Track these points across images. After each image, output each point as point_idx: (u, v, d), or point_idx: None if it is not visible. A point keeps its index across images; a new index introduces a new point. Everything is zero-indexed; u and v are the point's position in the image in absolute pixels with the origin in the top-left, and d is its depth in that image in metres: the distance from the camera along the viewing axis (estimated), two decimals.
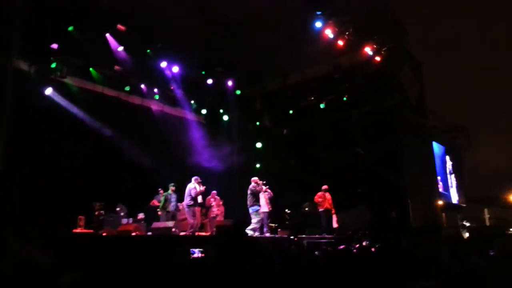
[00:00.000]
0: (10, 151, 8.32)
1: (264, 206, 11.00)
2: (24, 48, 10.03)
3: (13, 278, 3.33)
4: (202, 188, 10.33)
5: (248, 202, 10.88)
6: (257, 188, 10.91)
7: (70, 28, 10.61)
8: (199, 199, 10.39)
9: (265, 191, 11.25)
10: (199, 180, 10.40)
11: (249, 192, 10.95)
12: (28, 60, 10.63)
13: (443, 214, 17.11)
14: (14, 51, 9.13)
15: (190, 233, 9.72)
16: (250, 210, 10.84)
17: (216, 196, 12.23)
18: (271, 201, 11.28)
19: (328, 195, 11.94)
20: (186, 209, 10.18)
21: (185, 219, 10.49)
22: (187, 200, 10.16)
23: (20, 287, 3.99)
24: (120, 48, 11.69)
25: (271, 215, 11.40)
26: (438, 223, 14.22)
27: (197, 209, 10.59)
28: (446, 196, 18.08)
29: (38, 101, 10.46)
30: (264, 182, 11.20)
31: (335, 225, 11.92)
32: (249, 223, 10.66)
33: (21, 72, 10.39)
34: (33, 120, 9.93)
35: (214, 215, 11.82)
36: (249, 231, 10.35)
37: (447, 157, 19.45)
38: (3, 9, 8.27)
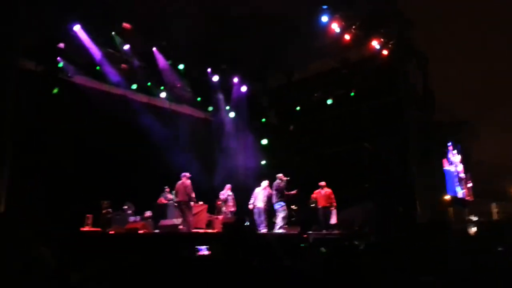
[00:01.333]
0: (16, 150, 8.38)
1: (260, 201, 11.11)
2: (31, 47, 10.09)
3: (22, 278, 3.37)
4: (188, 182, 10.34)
5: (273, 199, 10.91)
6: (281, 185, 10.93)
7: (77, 28, 10.68)
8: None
9: (264, 189, 11.32)
10: (188, 175, 10.44)
11: (274, 188, 10.98)
12: (35, 60, 10.69)
13: (451, 209, 17.03)
14: (21, 51, 9.17)
15: (187, 230, 9.73)
16: (276, 206, 10.87)
17: (230, 191, 12.09)
18: (268, 198, 11.32)
19: (325, 191, 11.74)
20: (183, 206, 10.19)
21: (197, 213, 10.62)
22: (182, 197, 10.17)
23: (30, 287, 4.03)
24: (126, 46, 11.74)
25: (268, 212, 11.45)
26: (445, 218, 14.15)
27: (194, 205, 10.64)
28: (453, 191, 17.97)
29: (45, 101, 10.53)
30: (288, 178, 11.16)
31: (333, 221, 11.71)
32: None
33: (28, 72, 10.46)
34: (40, 119, 10.00)
35: (232, 210, 11.70)
36: (277, 230, 10.53)
37: (454, 152, 19.32)
38: (9, 9, 8.32)
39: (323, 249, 7.51)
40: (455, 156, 19.24)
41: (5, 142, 7.61)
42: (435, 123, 16.26)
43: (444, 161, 17.72)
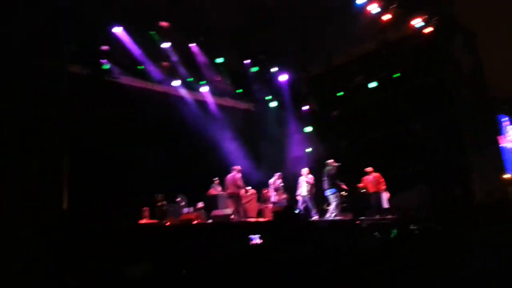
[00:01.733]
0: (75, 153, 8.77)
1: (305, 190, 11.10)
2: (77, 52, 10.50)
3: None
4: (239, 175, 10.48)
5: (325, 185, 10.84)
6: (332, 171, 10.82)
7: (118, 29, 11.00)
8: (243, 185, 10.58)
9: (305, 176, 11.37)
10: (239, 168, 10.60)
11: (325, 175, 10.90)
12: (81, 63, 11.12)
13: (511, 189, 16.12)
14: (68, 56, 9.54)
15: (238, 220, 9.90)
16: (328, 192, 10.80)
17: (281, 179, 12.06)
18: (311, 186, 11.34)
19: (373, 176, 11.57)
20: (230, 198, 10.39)
21: (247, 202, 10.74)
22: (233, 189, 10.37)
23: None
24: (166, 44, 11.97)
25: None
26: (506, 198, 13.42)
27: (244, 194, 10.81)
28: None
29: (95, 102, 10.96)
30: (340, 164, 11.04)
31: (386, 205, 11.55)
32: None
33: (75, 75, 10.91)
34: (93, 120, 10.44)
35: (283, 197, 11.72)
36: (329, 214, 10.50)
37: (510, 127, 18.26)
38: (53, 15, 8.67)
39: (377, 234, 7.37)
40: (511, 132, 18.18)
41: (65, 143, 8.00)
42: (487, 100, 15.42)
43: (501, 138, 16.80)
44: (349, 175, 12.20)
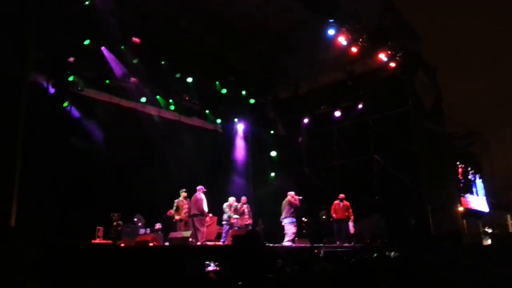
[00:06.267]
0: (27, 163, 8.44)
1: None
2: (42, 61, 10.24)
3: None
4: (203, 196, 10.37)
5: (285, 213, 10.95)
6: (295, 202, 10.99)
7: (87, 42, 10.84)
8: (205, 208, 10.39)
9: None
10: (203, 189, 10.44)
11: (286, 204, 11.02)
12: (46, 73, 10.83)
13: (464, 221, 16.75)
14: (31, 65, 9.28)
15: (201, 243, 9.72)
16: (286, 220, 10.91)
17: (246, 204, 11.89)
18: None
19: (344, 204, 11.83)
20: (195, 219, 10.19)
21: (207, 225, 10.62)
22: (194, 210, 10.21)
23: None
24: (136, 60, 11.87)
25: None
26: (459, 230, 13.92)
27: (213, 218, 10.64)
28: (468, 203, 17.70)
29: (56, 114, 10.65)
30: (301, 198, 11.18)
31: (352, 231, 11.81)
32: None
33: (39, 86, 10.61)
34: (51, 132, 10.10)
35: (247, 223, 11.52)
36: (285, 243, 10.55)
37: (467, 163, 19.06)
38: (20, 23, 8.45)
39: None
40: (468, 168, 18.96)
41: (16, 156, 7.67)
42: (446, 134, 16.12)
43: (458, 172, 17.51)
44: (311, 202, 12.34)
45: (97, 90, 12.11)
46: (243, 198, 11.83)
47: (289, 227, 10.83)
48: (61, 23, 9.84)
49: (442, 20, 20.45)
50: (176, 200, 10.75)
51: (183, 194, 10.78)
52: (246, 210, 11.64)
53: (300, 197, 11.16)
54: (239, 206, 11.54)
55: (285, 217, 10.93)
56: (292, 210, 10.89)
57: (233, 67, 13.94)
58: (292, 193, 11.22)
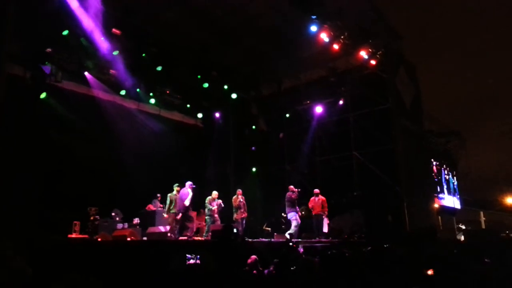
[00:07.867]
0: (3, 156, 8.26)
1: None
2: (19, 53, 9.99)
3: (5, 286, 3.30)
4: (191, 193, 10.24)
5: (287, 209, 11.15)
6: (293, 196, 11.07)
7: (65, 33, 10.60)
8: (187, 203, 10.27)
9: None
10: (192, 185, 10.33)
11: (286, 199, 11.17)
12: (23, 65, 10.57)
13: (439, 217, 17.17)
14: (7, 56, 9.05)
15: (188, 238, 9.67)
16: (288, 216, 11.09)
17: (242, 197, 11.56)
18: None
19: (319, 199, 11.86)
20: (181, 214, 10.10)
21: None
22: (181, 206, 10.11)
23: None
24: (116, 52, 11.66)
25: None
26: (434, 227, 14.25)
27: (193, 213, 10.55)
28: (442, 200, 18.13)
29: (34, 106, 10.42)
30: (299, 190, 11.26)
31: (325, 229, 11.86)
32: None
33: (16, 78, 10.36)
34: (28, 125, 9.89)
35: (243, 216, 11.31)
36: (287, 235, 10.64)
37: (442, 161, 19.49)
38: None
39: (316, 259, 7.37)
40: (443, 165, 19.39)
41: None
42: (424, 132, 16.43)
43: (433, 169, 17.88)
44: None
45: (75, 82, 11.91)
46: (239, 191, 11.57)
47: (293, 220, 11.00)
48: (39, 14, 9.59)
49: (423, 18, 20.79)
50: (169, 194, 10.63)
51: (176, 188, 10.65)
52: (241, 204, 11.36)
53: (299, 189, 11.25)
54: (235, 198, 11.41)
55: (288, 212, 11.17)
56: (291, 204, 11.07)
57: (216, 62, 13.88)
58: (291, 187, 11.36)
